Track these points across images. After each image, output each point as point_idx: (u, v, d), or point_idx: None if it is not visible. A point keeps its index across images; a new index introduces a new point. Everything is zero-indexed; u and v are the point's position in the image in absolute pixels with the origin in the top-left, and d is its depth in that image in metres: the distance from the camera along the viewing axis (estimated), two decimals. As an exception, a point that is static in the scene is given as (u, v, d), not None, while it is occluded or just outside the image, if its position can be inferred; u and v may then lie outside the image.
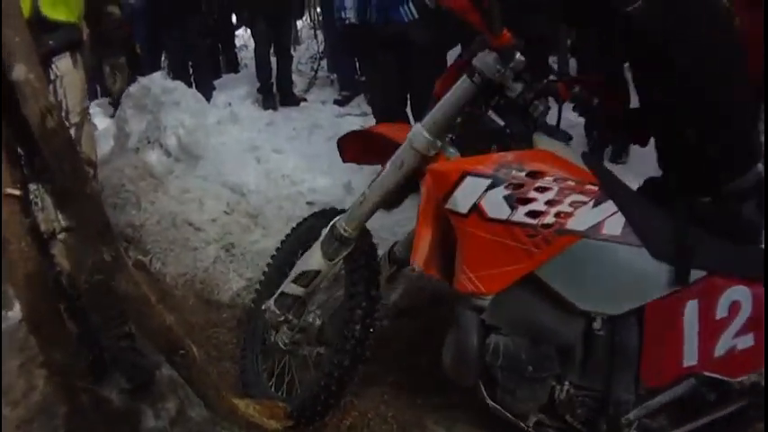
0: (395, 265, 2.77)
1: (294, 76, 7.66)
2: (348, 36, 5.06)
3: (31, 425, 2.61)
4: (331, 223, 2.64)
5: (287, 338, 2.80)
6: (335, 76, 7.89)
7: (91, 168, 2.68)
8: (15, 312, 2.71)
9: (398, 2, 4.51)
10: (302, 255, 2.81)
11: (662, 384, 2.32)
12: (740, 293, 2.24)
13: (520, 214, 2.19)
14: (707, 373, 2.28)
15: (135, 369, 2.76)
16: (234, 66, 8.99)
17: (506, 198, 2.19)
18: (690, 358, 2.27)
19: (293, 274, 2.74)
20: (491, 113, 2.39)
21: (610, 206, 2.23)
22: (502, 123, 2.37)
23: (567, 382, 2.35)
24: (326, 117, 6.40)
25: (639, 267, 2.24)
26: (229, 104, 6.58)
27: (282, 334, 2.81)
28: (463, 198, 2.21)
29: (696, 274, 2.24)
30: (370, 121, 5.31)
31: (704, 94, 2.32)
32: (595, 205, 2.22)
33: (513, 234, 2.19)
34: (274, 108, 6.83)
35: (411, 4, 4.49)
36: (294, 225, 3.14)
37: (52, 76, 2.62)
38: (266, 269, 3.18)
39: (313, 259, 2.68)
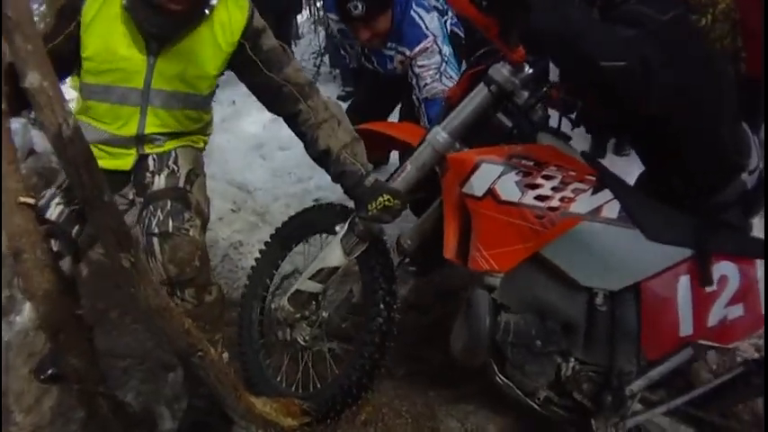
0: (402, 256, 2.82)
1: (296, 72, 7.56)
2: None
3: (46, 431, 2.64)
4: (349, 219, 2.74)
5: (306, 335, 2.88)
6: (338, 71, 7.86)
7: (199, 219, 2.66)
8: (23, 317, 2.75)
9: None
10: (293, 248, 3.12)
11: (662, 355, 2.43)
12: (727, 268, 2.39)
13: (529, 198, 2.36)
14: (702, 342, 2.39)
15: None
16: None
17: (517, 183, 2.36)
18: (686, 329, 2.40)
19: (310, 271, 2.81)
20: (500, 115, 2.56)
21: (607, 194, 2.40)
22: (509, 124, 2.54)
23: (572, 359, 2.47)
24: (330, 113, 6.28)
25: (634, 247, 2.39)
26: (233, 102, 6.56)
27: (301, 330, 2.89)
28: (479, 182, 2.38)
29: (684, 252, 2.40)
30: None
31: (686, 128, 2.43)
32: (594, 193, 2.39)
33: (523, 215, 2.36)
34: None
35: None
36: (285, 221, 3.23)
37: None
38: (256, 264, 3.27)
39: (333, 256, 2.76)
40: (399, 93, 4.36)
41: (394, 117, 4.70)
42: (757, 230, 2.72)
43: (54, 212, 2.54)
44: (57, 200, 2.57)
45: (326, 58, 8.36)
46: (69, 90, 2.65)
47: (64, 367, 2.35)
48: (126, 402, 2.70)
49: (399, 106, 4.70)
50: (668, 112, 2.34)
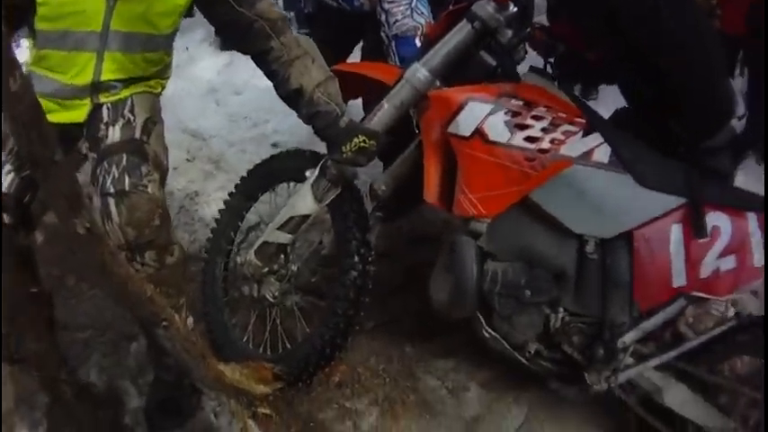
0: (376, 202, 2.72)
1: (251, 16, 7.37)
2: None
3: (12, 419, 2.51)
4: (320, 164, 2.61)
5: (275, 290, 2.75)
6: (292, 14, 7.67)
7: (158, 173, 2.48)
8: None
9: None
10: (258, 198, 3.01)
11: (654, 306, 2.39)
12: (719, 219, 2.35)
13: (518, 139, 2.32)
14: (695, 293, 2.36)
15: None
16: (188, 9, 8.66)
17: (506, 123, 2.32)
18: (679, 279, 2.34)
19: (278, 220, 2.67)
20: (483, 54, 2.51)
21: (597, 137, 2.35)
22: (494, 63, 2.50)
23: (561, 309, 2.41)
24: (286, 55, 6.15)
25: (626, 193, 2.34)
26: (186, 49, 6.35)
27: (269, 285, 2.75)
28: (466, 121, 2.33)
29: (677, 200, 2.35)
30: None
31: (676, 66, 2.40)
32: (584, 135, 2.35)
33: (512, 157, 2.31)
34: (232, 48, 6.56)
35: None
36: (250, 169, 3.10)
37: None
38: (219, 217, 3.13)
39: (303, 203, 2.63)
40: (361, 30, 4.17)
41: (355, 57, 4.49)
42: (739, 183, 2.70)
43: (5, 182, 2.36)
44: (7, 167, 2.38)
45: (280, 1, 8.14)
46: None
47: (22, 352, 2.24)
48: (90, 383, 2.63)
49: (361, 44, 4.49)
50: (669, 66, 2.36)
